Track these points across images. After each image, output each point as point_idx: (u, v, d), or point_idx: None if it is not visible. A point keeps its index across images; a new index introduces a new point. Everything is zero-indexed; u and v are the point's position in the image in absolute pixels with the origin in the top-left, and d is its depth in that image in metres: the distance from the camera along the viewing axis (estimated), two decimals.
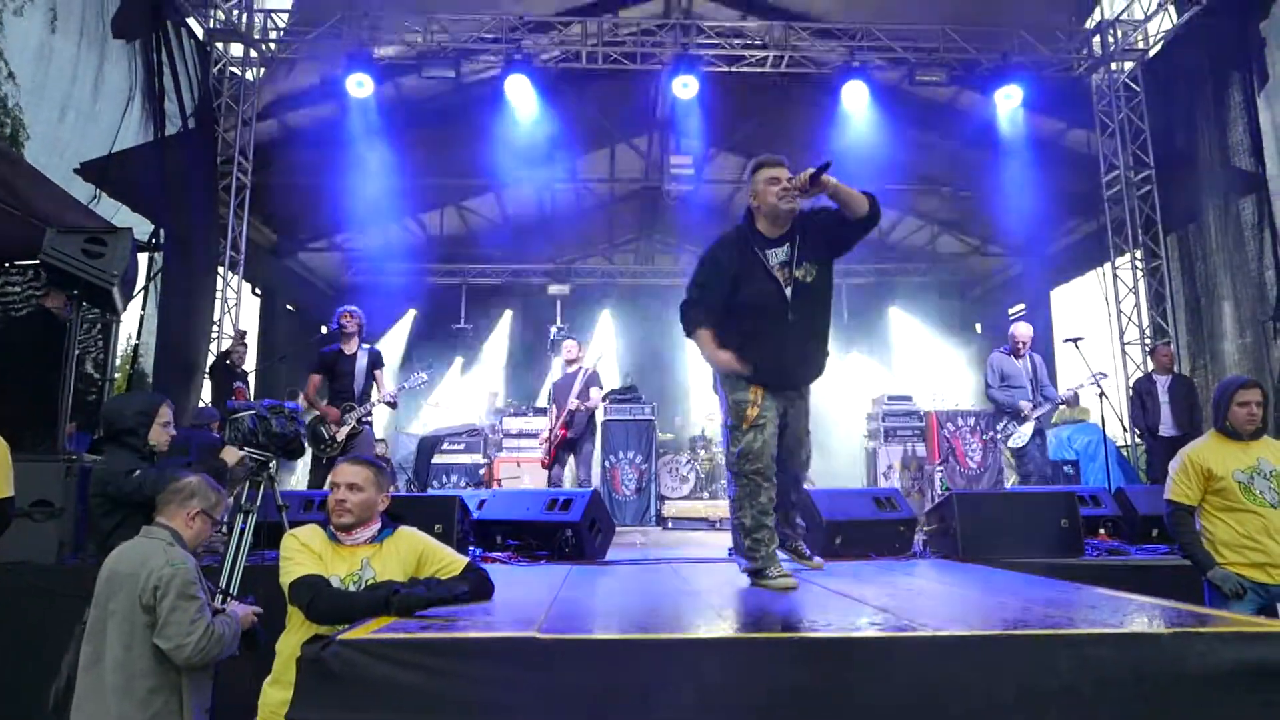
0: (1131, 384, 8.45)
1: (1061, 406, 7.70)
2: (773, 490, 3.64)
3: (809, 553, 4.12)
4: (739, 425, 3.59)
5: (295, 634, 2.72)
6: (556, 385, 8.63)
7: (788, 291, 3.58)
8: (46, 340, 6.02)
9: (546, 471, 8.58)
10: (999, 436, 7.57)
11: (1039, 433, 7.38)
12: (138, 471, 3.62)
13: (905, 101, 10.45)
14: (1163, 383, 7.76)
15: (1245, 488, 3.74)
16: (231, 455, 4.03)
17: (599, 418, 8.86)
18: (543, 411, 10.42)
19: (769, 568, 3.53)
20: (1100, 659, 2.15)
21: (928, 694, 2.14)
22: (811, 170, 3.44)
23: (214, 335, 9.56)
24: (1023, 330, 7.62)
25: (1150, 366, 8.49)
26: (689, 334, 3.69)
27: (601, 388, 8.55)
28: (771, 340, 3.57)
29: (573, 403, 8.19)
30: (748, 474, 3.56)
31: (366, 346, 6.94)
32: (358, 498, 2.88)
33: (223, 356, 8.69)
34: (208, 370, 8.81)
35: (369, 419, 6.85)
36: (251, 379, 9.55)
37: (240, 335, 9.15)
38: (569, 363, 8.53)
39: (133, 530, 3.06)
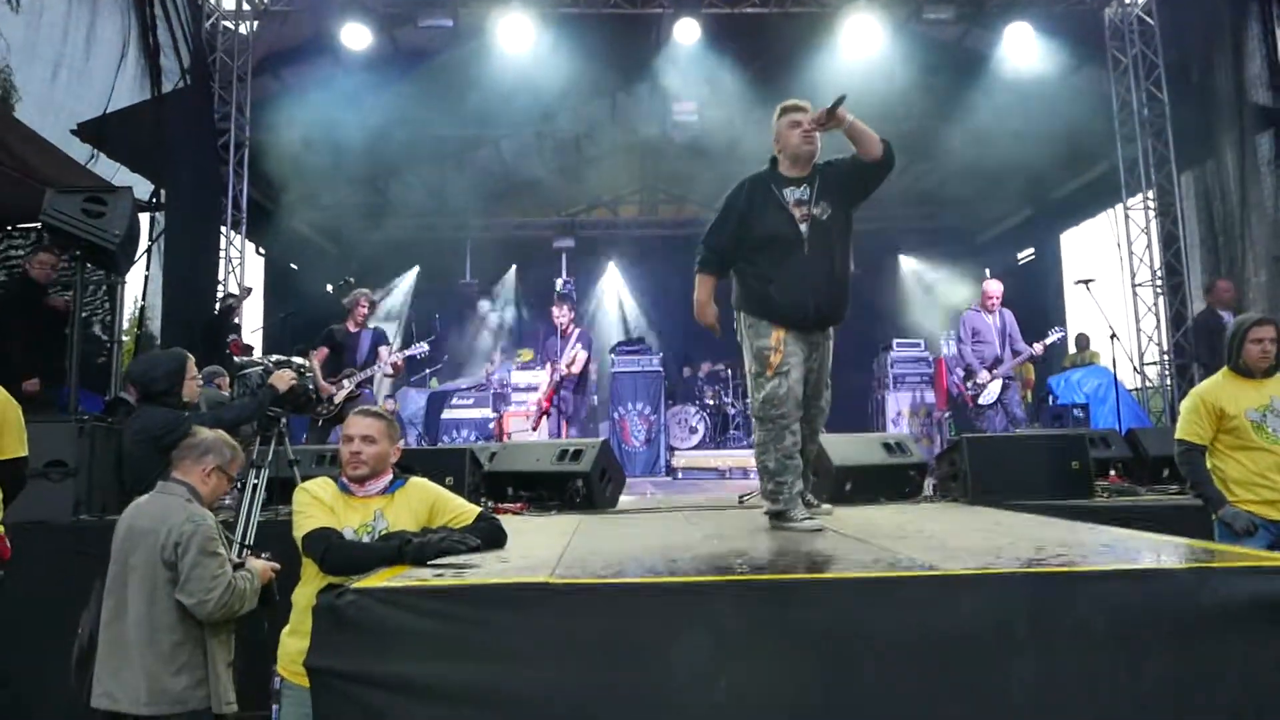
0: (1194, 320, 8.49)
1: (1073, 352, 8.05)
2: (798, 435, 3.69)
3: (816, 502, 4.14)
4: (762, 372, 3.65)
5: (310, 585, 2.74)
6: (547, 346, 8.69)
7: (803, 228, 3.65)
8: (24, 305, 6.04)
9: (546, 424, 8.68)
10: (970, 392, 7.99)
11: (1006, 386, 7.81)
12: (186, 416, 3.80)
13: (912, 41, 10.18)
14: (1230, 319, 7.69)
15: (1258, 426, 3.72)
16: (283, 381, 4.15)
17: (593, 377, 8.94)
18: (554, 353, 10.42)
19: (792, 509, 3.58)
20: (1114, 594, 2.15)
21: (942, 632, 2.14)
22: (826, 106, 3.54)
23: (219, 295, 9.52)
24: (993, 287, 7.97)
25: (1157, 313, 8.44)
26: (695, 271, 3.87)
27: (589, 350, 8.63)
28: (790, 274, 3.63)
29: (562, 369, 8.31)
30: (772, 418, 3.62)
31: (372, 326, 7.15)
32: (372, 449, 2.89)
33: (227, 312, 8.61)
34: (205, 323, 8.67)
35: (368, 385, 6.98)
36: (259, 336, 9.55)
37: (246, 291, 9.03)
38: (560, 329, 8.62)
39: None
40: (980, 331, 7.83)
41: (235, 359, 5.75)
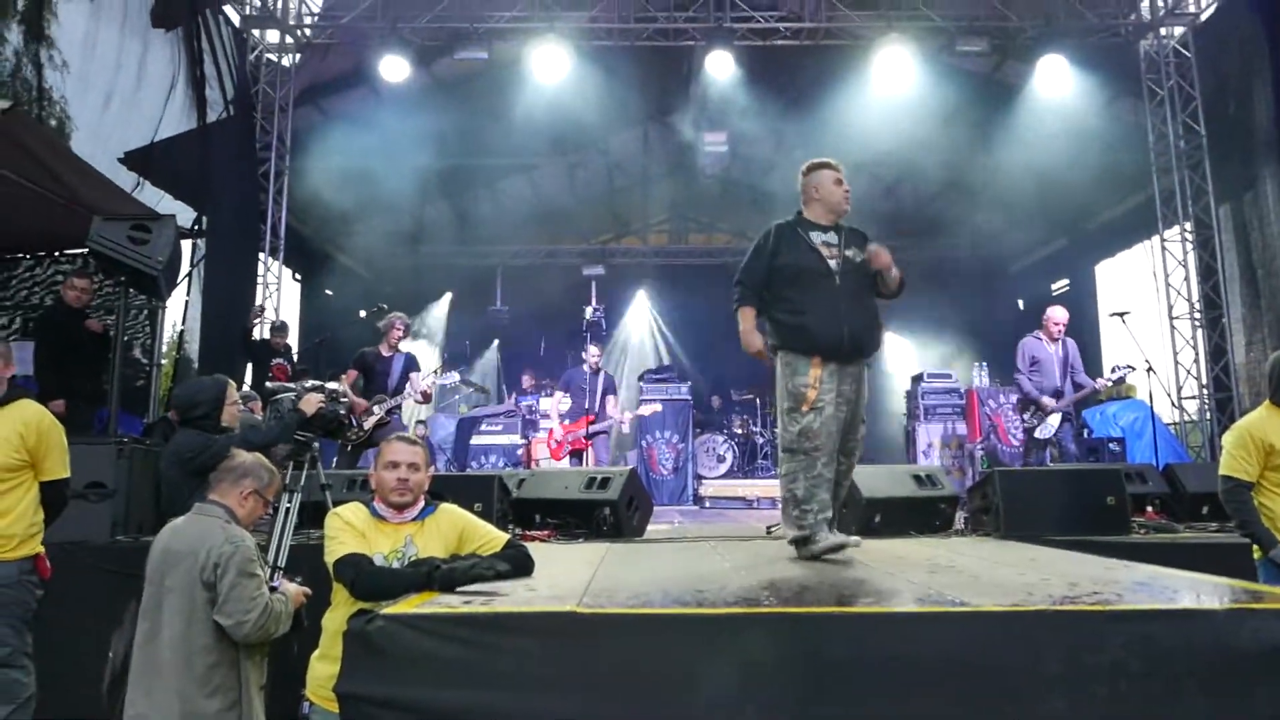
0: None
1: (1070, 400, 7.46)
2: (832, 465, 3.71)
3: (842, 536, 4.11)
4: (797, 408, 3.69)
5: (340, 610, 2.76)
6: (574, 382, 8.75)
7: (832, 263, 3.78)
8: (59, 330, 6.19)
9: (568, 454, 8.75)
10: (1024, 425, 7.45)
11: (1067, 420, 7.24)
12: (214, 439, 3.86)
13: (945, 73, 10.20)
14: None
15: None
16: (311, 405, 4.20)
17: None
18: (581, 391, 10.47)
19: (817, 533, 3.58)
20: (1151, 635, 2.11)
21: (974, 669, 2.11)
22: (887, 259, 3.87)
23: (256, 321, 9.70)
24: (1058, 314, 7.39)
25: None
26: (735, 309, 3.93)
27: (616, 395, 8.89)
28: (822, 304, 3.73)
29: (617, 415, 8.59)
30: (805, 450, 3.65)
31: (404, 351, 7.19)
32: (417, 477, 2.94)
33: (263, 342, 8.69)
34: (245, 346, 8.69)
35: (398, 412, 7.02)
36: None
37: (280, 326, 9.04)
38: (591, 367, 8.76)
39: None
40: (1041, 361, 7.26)
41: (268, 385, 5.82)
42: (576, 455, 8.62)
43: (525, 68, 10.00)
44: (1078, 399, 7.37)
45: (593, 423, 8.50)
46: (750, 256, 3.93)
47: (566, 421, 8.84)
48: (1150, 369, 7.37)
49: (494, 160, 12.70)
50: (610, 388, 8.82)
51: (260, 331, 8.75)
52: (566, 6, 10.02)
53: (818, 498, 3.62)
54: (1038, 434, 7.25)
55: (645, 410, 9.28)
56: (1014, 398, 9.67)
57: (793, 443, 3.67)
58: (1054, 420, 7.15)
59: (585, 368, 8.79)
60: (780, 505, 3.88)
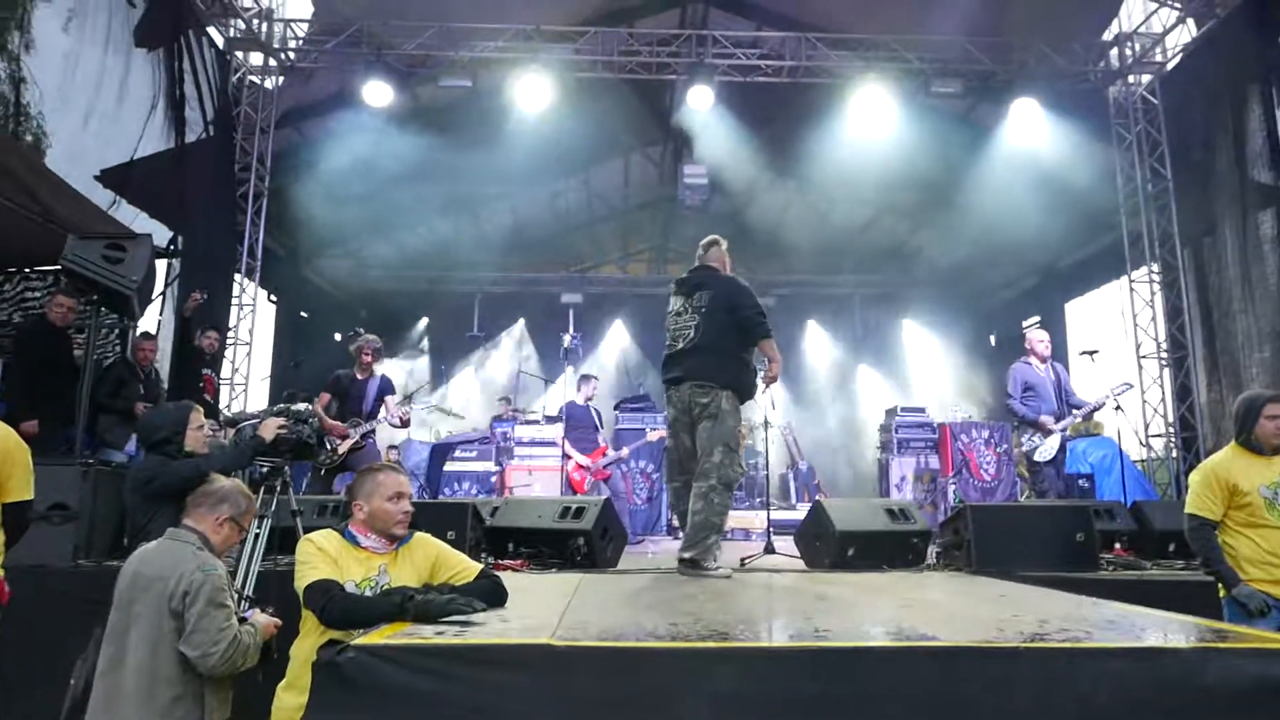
0: None
1: (1076, 421, 7.43)
2: None
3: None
4: (738, 449, 4.48)
5: (310, 638, 2.72)
6: (574, 414, 8.77)
7: None
8: (40, 349, 6.10)
9: (560, 479, 8.74)
10: (1024, 449, 7.26)
11: (1062, 447, 7.13)
12: (171, 465, 3.83)
13: (920, 113, 10.42)
14: None
15: (1270, 503, 3.67)
16: (269, 430, 4.16)
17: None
18: (554, 419, 10.45)
19: (713, 560, 4.41)
20: (1119, 673, 2.13)
21: (942, 705, 2.12)
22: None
23: (230, 341, 9.60)
24: (1042, 334, 7.40)
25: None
26: (769, 336, 4.68)
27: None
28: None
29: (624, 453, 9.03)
30: (732, 487, 4.50)
31: (379, 374, 7.14)
32: (410, 507, 2.98)
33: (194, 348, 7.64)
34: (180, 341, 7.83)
35: (372, 436, 6.97)
36: (265, 385, 9.55)
37: (213, 326, 8.34)
38: (588, 398, 9.00)
39: (168, 525, 3.08)
40: (1035, 385, 7.13)
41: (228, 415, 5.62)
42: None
43: (509, 96, 10.07)
44: (1086, 414, 7.29)
45: (605, 454, 8.81)
46: (752, 291, 4.70)
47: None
48: (1119, 407, 7.47)
49: (475, 187, 12.73)
50: (600, 422, 9.10)
51: (200, 330, 8.03)
52: (550, 39, 10.13)
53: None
54: (1038, 456, 7.07)
55: (652, 436, 9.22)
56: (985, 432, 9.80)
57: (734, 480, 4.42)
58: (1054, 442, 7.01)
59: (581, 399, 8.90)
60: (702, 533, 4.42)
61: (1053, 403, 7.10)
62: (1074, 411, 7.13)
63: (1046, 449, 7.02)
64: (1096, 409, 7.33)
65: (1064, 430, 7.13)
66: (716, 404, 4.45)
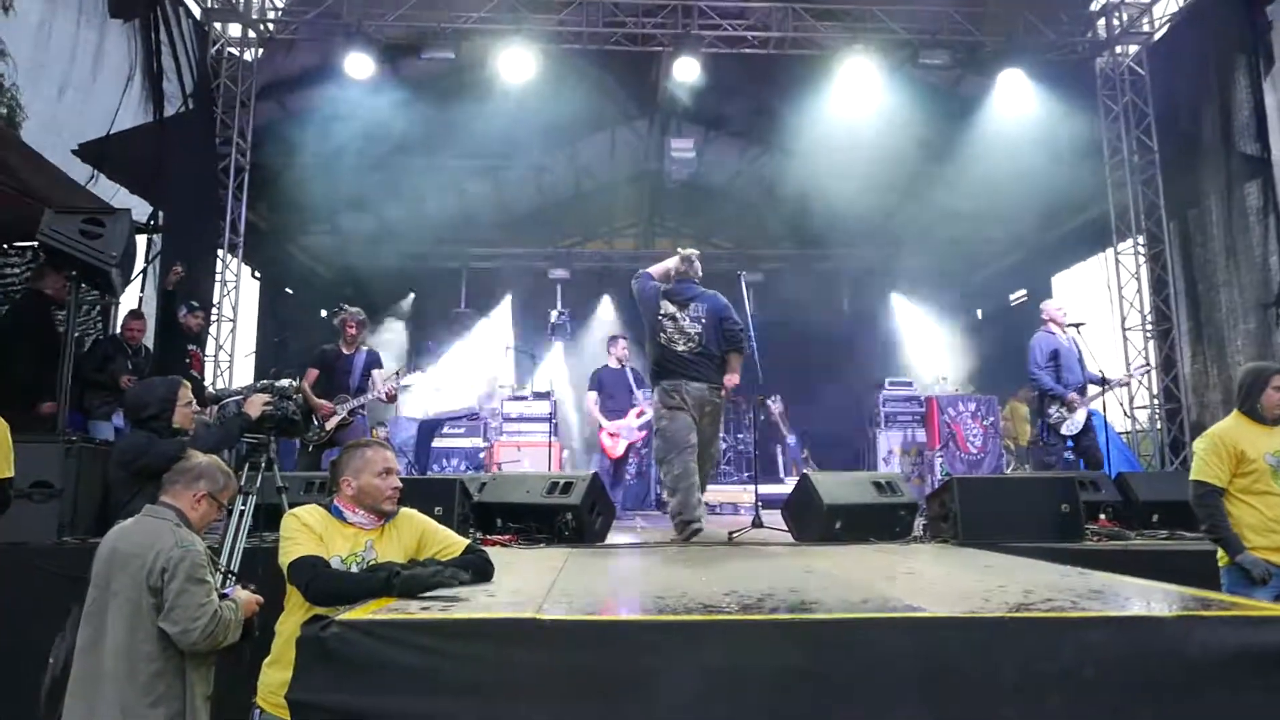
0: None
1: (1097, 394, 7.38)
2: None
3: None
4: None
5: (295, 615, 2.71)
6: (605, 379, 8.90)
7: None
8: (40, 323, 6.00)
9: (611, 463, 8.89)
10: (1052, 420, 7.22)
11: (1089, 416, 7.17)
12: (157, 442, 3.80)
13: (908, 85, 10.33)
14: None
15: (1275, 471, 3.72)
16: (255, 407, 4.12)
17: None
18: (542, 395, 10.43)
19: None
20: (1103, 642, 2.15)
21: (929, 676, 2.13)
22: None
23: (214, 318, 9.50)
24: (1059, 302, 7.37)
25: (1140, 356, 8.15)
26: (744, 352, 5.59)
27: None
28: None
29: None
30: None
31: (365, 348, 7.06)
32: (399, 482, 2.97)
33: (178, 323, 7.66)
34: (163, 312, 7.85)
35: (362, 411, 6.91)
36: (250, 360, 9.47)
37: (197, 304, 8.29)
38: (620, 359, 8.99)
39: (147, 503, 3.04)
40: (1062, 354, 7.07)
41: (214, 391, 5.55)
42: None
43: (492, 69, 9.93)
44: (1113, 387, 7.37)
45: (643, 414, 8.66)
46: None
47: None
48: (1104, 380, 7.51)
49: (459, 161, 12.59)
50: (640, 382, 8.87)
51: (184, 308, 7.77)
52: (534, 9, 9.97)
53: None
54: (1064, 430, 7.09)
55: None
56: (971, 405, 9.84)
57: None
58: (1080, 416, 7.07)
59: (613, 362, 8.88)
60: (697, 504, 5.17)
61: (1078, 371, 7.15)
62: (1094, 386, 7.19)
63: (1073, 423, 7.11)
64: (1118, 385, 7.43)
65: (1089, 403, 7.15)
66: (720, 403, 5.53)
